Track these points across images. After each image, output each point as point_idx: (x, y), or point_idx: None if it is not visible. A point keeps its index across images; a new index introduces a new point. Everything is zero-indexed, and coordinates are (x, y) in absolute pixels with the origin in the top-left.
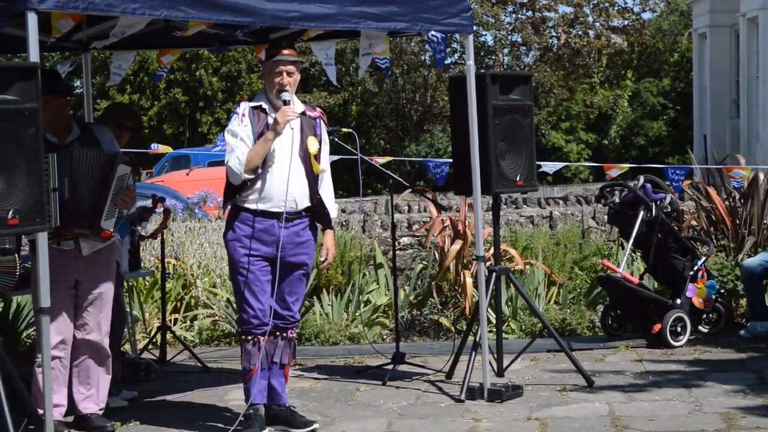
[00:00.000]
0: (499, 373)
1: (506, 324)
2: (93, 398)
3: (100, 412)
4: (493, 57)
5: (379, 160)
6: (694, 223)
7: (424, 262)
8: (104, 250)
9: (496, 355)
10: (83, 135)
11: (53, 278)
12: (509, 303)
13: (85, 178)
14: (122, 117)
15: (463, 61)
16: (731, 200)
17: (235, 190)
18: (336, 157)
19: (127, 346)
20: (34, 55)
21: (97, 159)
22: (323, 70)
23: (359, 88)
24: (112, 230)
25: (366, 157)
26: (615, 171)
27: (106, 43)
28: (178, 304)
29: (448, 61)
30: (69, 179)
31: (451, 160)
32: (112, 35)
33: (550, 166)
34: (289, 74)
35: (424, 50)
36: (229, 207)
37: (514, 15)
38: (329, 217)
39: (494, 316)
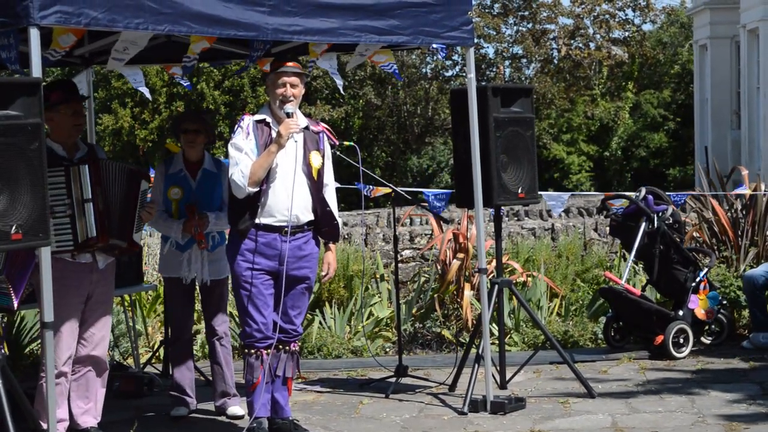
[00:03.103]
0: (502, 385)
1: (509, 336)
2: (91, 412)
3: (97, 426)
4: (495, 69)
5: (383, 191)
6: (696, 234)
7: (427, 275)
8: (112, 263)
9: (498, 368)
10: (90, 152)
11: (67, 293)
12: (512, 315)
13: (115, 191)
14: (185, 122)
15: (464, 74)
16: (733, 212)
17: (242, 207)
18: (341, 186)
19: (130, 360)
20: (36, 70)
21: (123, 174)
22: (326, 83)
23: (361, 101)
24: (141, 243)
25: (369, 172)
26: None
27: (119, 65)
28: None
29: (449, 73)
30: (101, 191)
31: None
32: (114, 51)
33: (556, 203)
34: (293, 86)
35: (425, 63)
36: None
37: (515, 27)
38: (332, 232)
39: (497, 328)
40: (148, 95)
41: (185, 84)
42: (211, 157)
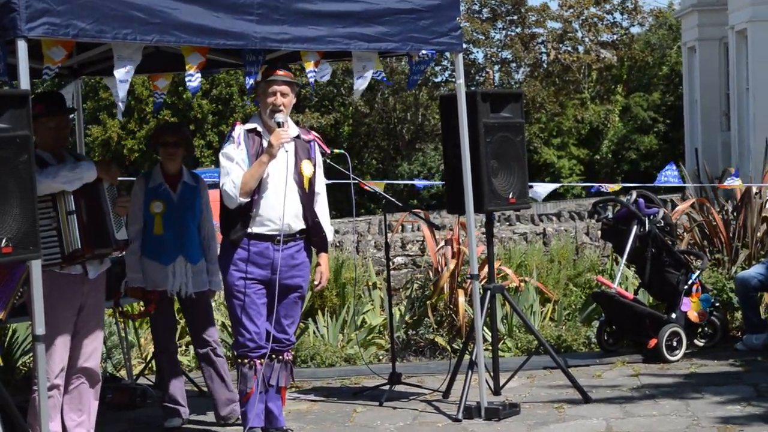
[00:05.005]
0: (496, 391)
1: (502, 342)
2: (84, 424)
3: None
4: (484, 74)
5: (374, 186)
6: (688, 237)
7: (419, 282)
8: (103, 274)
9: (492, 374)
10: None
11: (59, 305)
12: (505, 321)
13: (93, 202)
14: (164, 135)
15: (453, 80)
16: (724, 214)
17: (234, 217)
18: (330, 181)
19: (122, 372)
20: (24, 82)
21: (90, 183)
22: (315, 91)
23: (350, 108)
24: (127, 238)
25: (358, 179)
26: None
27: (126, 86)
28: None
29: (438, 79)
30: (84, 202)
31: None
32: (116, 74)
33: (540, 192)
34: (284, 95)
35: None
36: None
37: (504, 31)
38: (324, 241)
39: (490, 334)
40: (120, 109)
41: (156, 101)
42: (188, 170)
